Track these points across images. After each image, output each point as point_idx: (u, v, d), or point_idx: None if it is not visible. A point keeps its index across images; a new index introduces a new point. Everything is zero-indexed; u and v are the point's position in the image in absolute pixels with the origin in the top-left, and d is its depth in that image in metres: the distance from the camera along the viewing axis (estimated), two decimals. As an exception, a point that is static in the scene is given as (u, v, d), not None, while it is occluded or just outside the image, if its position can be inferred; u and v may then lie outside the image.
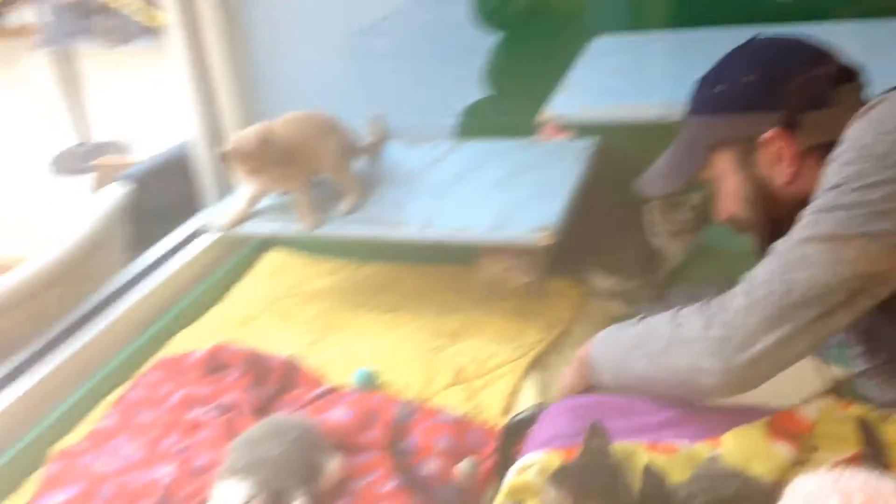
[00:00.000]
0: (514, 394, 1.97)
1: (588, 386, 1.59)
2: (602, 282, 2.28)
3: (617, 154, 2.29)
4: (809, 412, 1.38)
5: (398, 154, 2.46)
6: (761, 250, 1.42)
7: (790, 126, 1.43)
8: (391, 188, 2.31)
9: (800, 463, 1.33)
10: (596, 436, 1.30)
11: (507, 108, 2.43)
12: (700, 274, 2.27)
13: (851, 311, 1.29)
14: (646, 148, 2.26)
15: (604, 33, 2.23)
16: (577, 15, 2.28)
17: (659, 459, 1.33)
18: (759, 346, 1.32)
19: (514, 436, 1.65)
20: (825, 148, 1.37)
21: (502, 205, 2.11)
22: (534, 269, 2.28)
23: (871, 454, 1.29)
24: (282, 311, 2.40)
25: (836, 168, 1.31)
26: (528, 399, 1.93)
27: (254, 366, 2.06)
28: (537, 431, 1.51)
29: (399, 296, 2.40)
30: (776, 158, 1.46)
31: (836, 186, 1.30)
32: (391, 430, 1.85)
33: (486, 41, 2.36)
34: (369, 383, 2.03)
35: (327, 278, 2.55)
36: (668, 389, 1.44)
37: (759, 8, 2.12)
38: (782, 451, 1.33)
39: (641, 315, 1.54)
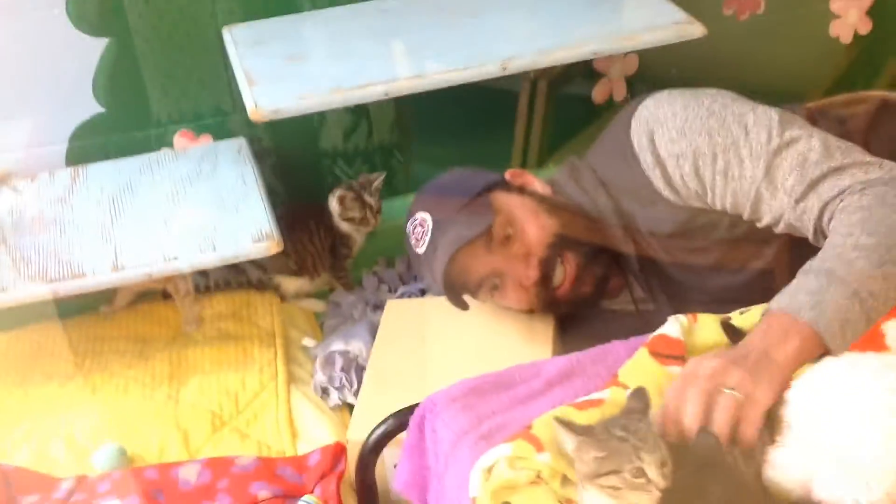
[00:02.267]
0: (293, 419, 1.80)
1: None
2: (291, 285, 2.15)
3: (279, 149, 2.18)
4: (674, 331, 1.46)
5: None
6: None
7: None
8: (28, 237, 1.92)
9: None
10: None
11: (124, 124, 2.14)
12: (377, 250, 2.27)
13: None
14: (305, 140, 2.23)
15: (225, 25, 2.07)
16: (188, 11, 2.08)
17: (595, 414, 1.33)
18: None
19: (373, 453, 1.52)
20: None
21: (196, 224, 1.89)
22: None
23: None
24: None
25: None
26: (316, 420, 1.78)
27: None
28: (431, 436, 1.41)
29: (61, 359, 2.00)
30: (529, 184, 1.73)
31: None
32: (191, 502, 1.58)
33: (93, 50, 2.05)
34: (118, 460, 1.69)
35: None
36: None
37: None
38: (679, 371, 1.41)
39: None
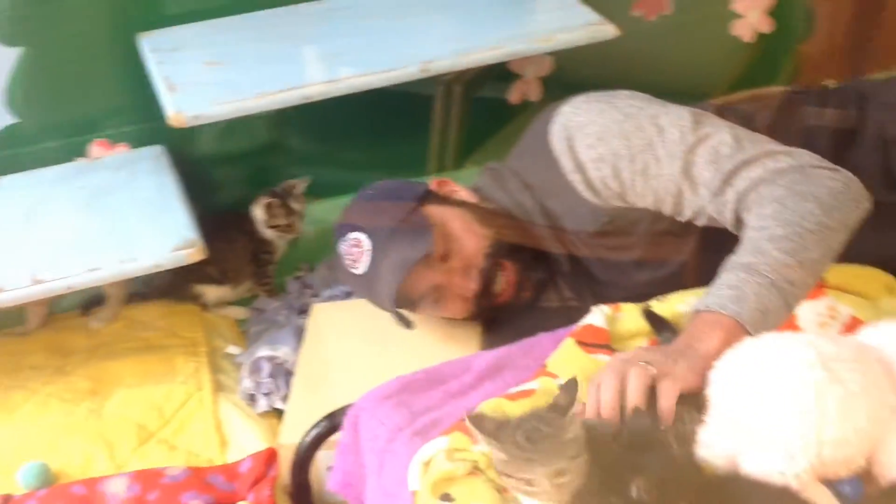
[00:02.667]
0: (222, 427, 1.78)
1: None
2: (213, 293, 2.14)
3: (197, 156, 2.16)
4: (598, 320, 1.48)
5: None
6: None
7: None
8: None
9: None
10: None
11: (39, 134, 2.10)
12: (298, 255, 2.26)
13: None
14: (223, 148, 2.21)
15: (136, 33, 2.05)
16: (102, 19, 2.05)
17: (527, 404, 1.35)
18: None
19: (308, 455, 1.53)
20: None
21: (116, 234, 1.86)
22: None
23: (668, 336, 1.47)
24: None
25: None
26: (244, 427, 1.77)
27: None
28: (366, 434, 1.42)
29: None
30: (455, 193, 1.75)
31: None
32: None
33: (7, 60, 2.00)
34: (43, 478, 1.66)
35: None
36: (834, 253, 1.41)
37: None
38: (606, 360, 1.44)
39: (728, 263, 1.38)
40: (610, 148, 1.58)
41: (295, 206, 2.10)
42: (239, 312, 2.16)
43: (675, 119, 1.57)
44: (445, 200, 1.74)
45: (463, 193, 1.76)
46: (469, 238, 1.71)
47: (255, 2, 2.10)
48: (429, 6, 2.08)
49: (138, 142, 2.15)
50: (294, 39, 1.97)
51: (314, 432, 1.50)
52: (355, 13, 2.06)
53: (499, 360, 1.50)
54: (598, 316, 1.50)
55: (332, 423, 1.50)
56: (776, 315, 1.31)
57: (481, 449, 1.25)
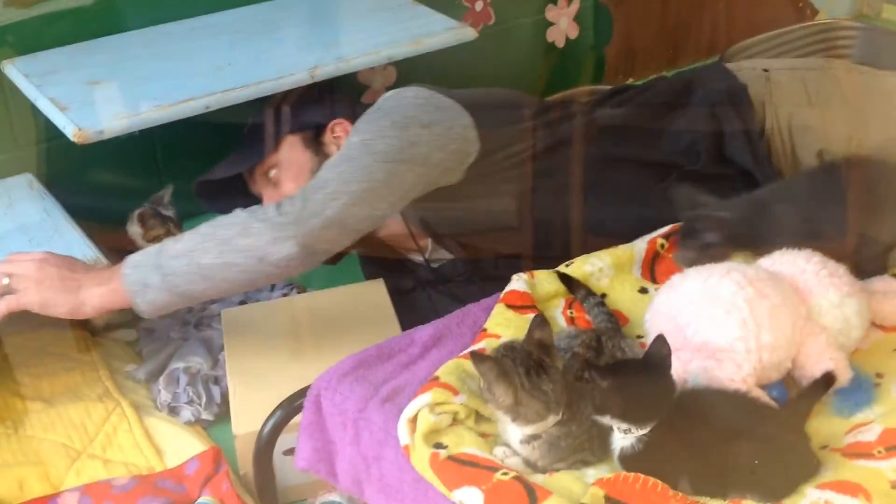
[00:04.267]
0: (149, 434, 1.79)
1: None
2: (101, 317, 2.10)
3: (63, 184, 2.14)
4: (520, 286, 1.65)
5: None
6: None
7: (347, 117, 1.91)
8: None
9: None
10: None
11: None
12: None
13: (398, 189, 1.68)
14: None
15: (5, 59, 2.01)
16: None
17: (479, 360, 1.48)
18: (329, 213, 1.59)
19: (271, 440, 1.58)
20: None
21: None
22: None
23: (584, 293, 1.65)
24: None
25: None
26: (174, 435, 1.79)
27: None
28: (331, 410, 1.50)
29: None
30: (339, 140, 1.91)
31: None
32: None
33: None
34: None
35: None
36: (240, 273, 1.59)
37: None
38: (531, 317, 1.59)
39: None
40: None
41: (167, 213, 2.12)
42: (128, 335, 2.13)
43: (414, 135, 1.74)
44: (314, 145, 1.93)
45: (344, 141, 1.88)
46: (294, 184, 1.90)
47: (117, 25, 2.12)
48: (285, 23, 2.18)
49: (2, 173, 2.10)
50: (169, 57, 2.02)
51: (274, 418, 1.55)
52: (219, 31, 2.14)
53: (438, 332, 1.62)
54: (519, 282, 1.65)
55: (290, 407, 1.56)
56: (154, 293, 1.58)
57: (461, 400, 1.38)
